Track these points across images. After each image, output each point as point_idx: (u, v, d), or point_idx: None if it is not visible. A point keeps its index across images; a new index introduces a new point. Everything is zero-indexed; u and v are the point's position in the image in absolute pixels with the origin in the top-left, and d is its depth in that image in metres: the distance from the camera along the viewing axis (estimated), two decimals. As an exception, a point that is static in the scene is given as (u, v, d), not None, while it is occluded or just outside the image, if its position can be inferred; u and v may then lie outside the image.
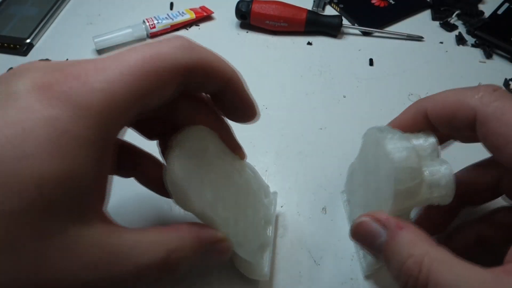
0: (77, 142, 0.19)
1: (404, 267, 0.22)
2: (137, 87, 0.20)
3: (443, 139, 0.29)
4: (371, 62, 0.51)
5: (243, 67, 0.51)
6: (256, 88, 0.49)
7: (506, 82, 0.48)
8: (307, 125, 0.45)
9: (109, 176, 0.22)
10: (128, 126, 0.25)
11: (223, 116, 0.28)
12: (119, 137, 0.23)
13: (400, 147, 0.25)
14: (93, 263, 0.19)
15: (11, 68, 0.34)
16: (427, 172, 0.25)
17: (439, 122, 0.26)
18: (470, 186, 0.30)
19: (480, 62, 0.51)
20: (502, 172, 0.29)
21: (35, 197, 0.17)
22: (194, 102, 0.27)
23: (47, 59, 0.52)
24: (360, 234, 0.25)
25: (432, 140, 0.27)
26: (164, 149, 0.28)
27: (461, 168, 0.31)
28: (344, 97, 0.47)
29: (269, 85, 0.49)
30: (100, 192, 0.21)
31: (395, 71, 0.50)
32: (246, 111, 0.27)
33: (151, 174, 0.29)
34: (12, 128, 0.18)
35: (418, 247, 0.22)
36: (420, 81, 0.49)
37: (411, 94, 0.47)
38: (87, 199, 0.20)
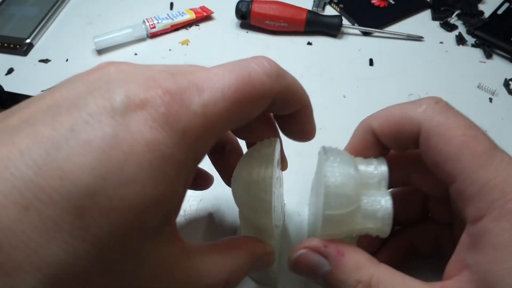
0: (176, 167, 0.18)
1: None
2: (230, 113, 0.20)
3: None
4: (371, 62, 0.51)
5: (243, 67, 0.51)
6: (256, 88, 0.49)
7: (506, 82, 0.48)
8: (307, 125, 0.45)
9: None
10: None
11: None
12: None
13: (337, 172, 0.23)
14: (174, 283, 0.20)
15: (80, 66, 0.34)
16: (365, 201, 0.24)
17: (386, 138, 0.25)
18: (398, 211, 0.30)
19: (480, 62, 0.51)
20: (428, 196, 0.29)
21: (132, 222, 0.17)
22: (262, 118, 0.27)
23: (47, 59, 0.52)
24: (301, 268, 0.24)
25: (383, 168, 0.25)
26: (215, 159, 0.30)
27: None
28: (344, 97, 0.47)
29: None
30: (178, 209, 0.21)
31: (395, 71, 0.50)
32: (307, 134, 0.28)
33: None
34: (116, 150, 0.17)
35: (363, 271, 0.22)
36: (420, 81, 0.49)
37: (411, 94, 0.47)
38: (173, 219, 0.20)
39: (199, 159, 0.21)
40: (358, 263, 0.23)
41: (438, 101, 0.24)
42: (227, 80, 0.20)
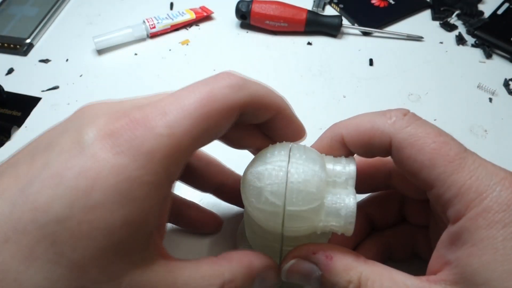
0: (144, 188, 0.19)
1: None
2: (197, 130, 0.21)
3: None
4: (371, 62, 0.51)
5: (243, 67, 0.51)
6: (256, 88, 0.49)
7: (506, 82, 0.48)
8: (307, 125, 0.44)
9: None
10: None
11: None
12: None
13: (301, 169, 0.24)
14: None
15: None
16: (329, 199, 0.24)
17: (355, 148, 0.26)
18: (375, 215, 0.31)
19: (480, 62, 0.51)
20: (403, 200, 0.30)
21: (105, 244, 0.18)
22: (247, 127, 0.28)
23: (47, 59, 0.52)
24: (294, 277, 0.25)
25: (351, 168, 0.25)
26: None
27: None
28: (344, 97, 0.47)
29: (269, 85, 0.49)
30: (161, 229, 0.23)
31: (395, 71, 0.50)
32: (295, 133, 0.28)
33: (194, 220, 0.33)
34: (83, 177, 0.18)
35: (352, 271, 0.23)
36: (420, 81, 0.49)
37: (411, 94, 0.47)
38: (151, 239, 0.21)
39: (173, 178, 0.21)
40: (346, 264, 0.24)
41: (406, 113, 0.25)
42: (190, 99, 0.21)
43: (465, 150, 0.23)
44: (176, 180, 0.22)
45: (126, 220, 0.19)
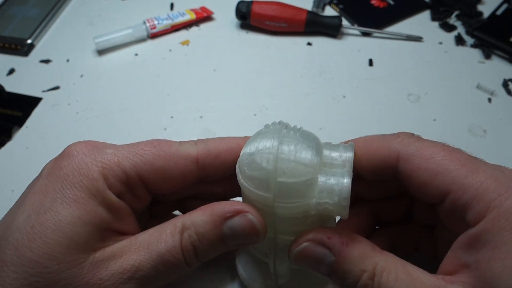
0: (84, 189, 0.24)
1: (359, 284, 0.23)
2: (141, 160, 0.26)
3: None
4: (370, 63, 0.52)
5: (243, 67, 0.51)
6: (256, 88, 0.49)
7: (505, 82, 0.48)
8: (307, 125, 0.44)
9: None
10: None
11: None
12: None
13: (294, 142, 0.23)
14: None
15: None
16: (323, 176, 0.23)
17: (363, 162, 0.26)
18: (382, 211, 0.30)
19: (479, 62, 0.51)
20: (412, 199, 0.30)
21: (55, 240, 0.23)
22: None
23: (48, 60, 0.53)
24: (305, 261, 0.25)
25: (348, 153, 0.25)
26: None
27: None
28: (344, 97, 0.48)
29: (269, 85, 0.49)
30: (124, 220, 0.26)
31: (394, 71, 0.50)
32: None
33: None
34: (36, 193, 0.25)
35: (368, 260, 0.23)
36: (420, 82, 0.49)
37: (411, 95, 0.48)
38: (107, 230, 0.25)
39: (115, 187, 0.25)
40: (363, 252, 0.23)
41: (412, 134, 0.26)
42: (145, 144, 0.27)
43: (475, 157, 0.23)
44: (123, 192, 0.26)
45: (72, 217, 0.23)
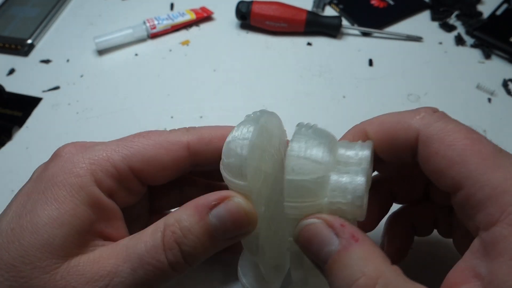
0: (66, 189, 0.23)
1: (353, 286, 0.19)
2: (131, 153, 0.26)
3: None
4: (370, 63, 0.52)
5: (243, 68, 0.51)
6: (256, 88, 0.49)
7: (504, 82, 0.48)
8: (307, 125, 0.45)
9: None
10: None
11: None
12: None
13: (305, 139, 0.22)
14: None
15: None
16: (336, 173, 0.22)
17: (380, 144, 0.24)
18: (399, 192, 0.29)
19: (479, 62, 0.51)
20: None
21: (31, 242, 0.22)
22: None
23: (48, 60, 0.53)
24: (307, 238, 0.22)
25: (365, 152, 0.23)
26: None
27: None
28: (344, 97, 0.48)
29: (269, 85, 0.49)
30: (108, 221, 0.25)
31: (394, 71, 0.50)
32: None
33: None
34: (21, 194, 0.24)
35: (372, 265, 0.20)
36: (419, 82, 0.49)
37: (411, 95, 0.48)
38: (87, 235, 0.23)
39: (104, 184, 0.24)
40: (371, 254, 0.20)
41: (435, 110, 0.23)
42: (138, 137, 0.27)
43: (501, 150, 0.21)
44: (115, 189, 0.25)
45: (49, 218, 0.22)
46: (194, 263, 0.23)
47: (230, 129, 0.26)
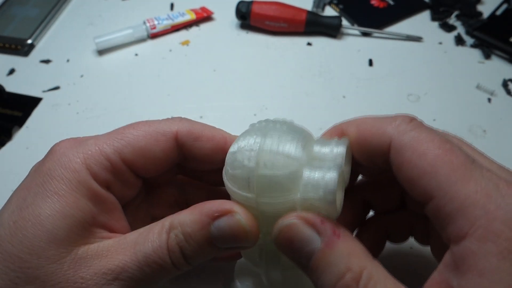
0: (65, 182, 0.24)
1: (340, 283, 0.20)
2: (122, 145, 0.26)
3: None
4: (370, 63, 0.52)
5: (243, 68, 0.51)
6: (256, 88, 0.49)
7: (504, 83, 0.48)
8: (307, 125, 0.44)
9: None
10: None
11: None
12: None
13: (278, 134, 0.22)
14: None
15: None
16: (309, 168, 0.22)
17: (355, 146, 0.24)
18: (374, 200, 0.29)
19: (479, 62, 0.51)
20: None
21: (35, 234, 0.22)
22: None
23: (48, 60, 0.53)
24: (287, 238, 0.22)
25: (340, 149, 0.23)
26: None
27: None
28: (344, 97, 0.48)
29: (269, 85, 0.49)
30: (110, 213, 0.25)
31: (394, 71, 0.50)
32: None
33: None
34: (20, 189, 0.25)
35: (355, 260, 0.20)
36: (419, 82, 0.49)
37: (410, 95, 0.48)
38: (91, 226, 0.24)
39: (99, 177, 0.24)
40: (353, 249, 0.21)
41: (412, 118, 0.23)
42: (125, 127, 0.27)
43: (473, 161, 0.21)
44: (110, 181, 0.25)
45: (51, 210, 0.22)
46: (196, 263, 0.24)
47: (223, 133, 0.27)
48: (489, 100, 0.47)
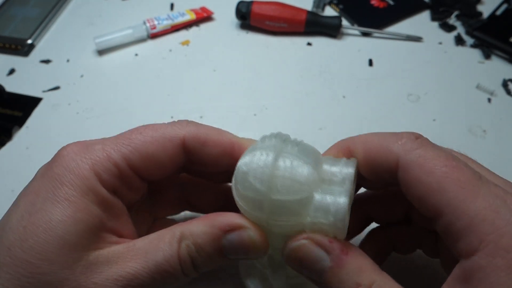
0: (75, 189, 0.24)
1: None
2: (129, 150, 0.25)
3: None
4: (370, 63, 0.52)
5: (243, 68, 0.51)
6: (256, 88, 0.49)
7: (504, 83, 0.48)
8: (307, 125, 0.45)
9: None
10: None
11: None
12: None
13: (291, 158, 0.22)
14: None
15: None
16: (319, 194, 0.22)
17: (362, 164, 0.25)
18: (376, 214, 0.29)
19: (479, 62, 0.51)
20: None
21: (47, 239, 0.22)
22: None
23: (48, 60, 0.53)
24: (298, 259, 0.23)
25: (349, 169, 0.24)
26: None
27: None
28: (344, 97, 0.48)
29: (269, 85, 0.49)
30: (118, 220, 0.25)
31: (394, 71, 0.50)
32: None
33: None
34: (28, 192, 0.24)
35: (365, 275, 0.21)
36: (419, 82, 0.49)
37: (410, 95, 0.48)
38: (101, 232, 0.24)
39: (107, 183, 0.24)
40: (361, 265, 0.22)
41: (418, 136, 0.24)
42: (133, 130, 0.27)
43: (480, 177, 0.21)
44: (117, 187, 0.25)
45: (62, 216, 0.22)
46: (204, 271, 0.25)
47: (229, 137, 0.27)
48: (489, 100, 0.47)
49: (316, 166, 0.23)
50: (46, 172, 0.24)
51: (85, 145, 0.25)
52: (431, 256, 0.29)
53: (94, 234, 0.23)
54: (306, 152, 0.24)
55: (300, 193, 0.22)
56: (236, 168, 0.24)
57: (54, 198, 0.23)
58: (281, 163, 0.22)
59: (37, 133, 0.45)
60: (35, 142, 0.44)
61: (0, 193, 0.40)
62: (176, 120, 0.27)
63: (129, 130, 0.26)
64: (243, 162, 0.23)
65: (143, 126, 0.26)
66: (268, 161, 0.22)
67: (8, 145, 0.44)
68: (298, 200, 0.22)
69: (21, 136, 0.45)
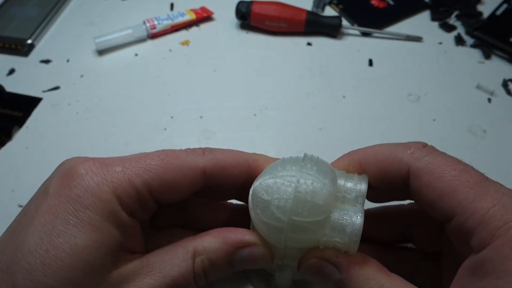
0: (99, 213, 0.24)
1: None
2: (150, 176, 0.25)
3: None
4: (370, 63, 0.52)
5: (243, 68, 0.51)
6: (256, 88, 0.49)
7: (504, 83, 0.48)
8: (307, 126, 0.45)
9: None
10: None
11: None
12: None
13: (311, 179, 0.23)
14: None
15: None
16: (336, 214, 0.24)
17: (372, 175, 0.26)
18: (371, 232, 0.30)
19: (479, 62, 0.51)
20: (409, 222, 0.29)
21: (71, 263, 0.22)
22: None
23: (48, 60, 0.53)
24: (312, 275, 0.25)
25: (362, 186, 0.25)
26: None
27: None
28: (344, 97, 0.48)
29: (269, 86, 0.49)
30: (135, 240, 0.26)
31: (394, 71, 0.50)
32: None
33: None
34: (48, 214, 0.24)
35: (374, 282, 0.23)
36: (419, 82, 0.49)
37: (410, 95, 0.48)
38: (120, 252, 0.25)
39: (128, 207, 0.25)
40: (369, 273, 0.23)
41: (425, 144, 0.25)
42: (153, 156, 0.26)
43: (487, 178, 0.23)
44: (135, 210, 0.25)
45: (88, 240, 0.23)
46: (213, 280, 0.27)
47: (244, 156, 0.27)
48: (489, 100, 0.47)
49: (333, 186, 0.24)
50: (63, 190, 0.24)
51: (104, 164, 0.25)
52: (432, 282, 0.29)
53: (113, 256, 0.24)
54: (323, 172, 0.24)
55: (320, 215, 0.23)
56: (255, 191, 0.25)
57: (77, 222, 0.23)
58: (302, 187, 0.23)
59: (37, 133, 0.45)
60: (35, 142, 0.44)
61: (0, 193, 0.40)
62: (191, 148, 0.27)
63: (146, 154, 0.26)
64: (264, 189, 0.24)
65: (161, 151, 0.27)
66: (291, 192, 0.23)
67: (8, 145, 0.44)
68: (317, 221, 0.23)
69: (21, 136, 0.45)
